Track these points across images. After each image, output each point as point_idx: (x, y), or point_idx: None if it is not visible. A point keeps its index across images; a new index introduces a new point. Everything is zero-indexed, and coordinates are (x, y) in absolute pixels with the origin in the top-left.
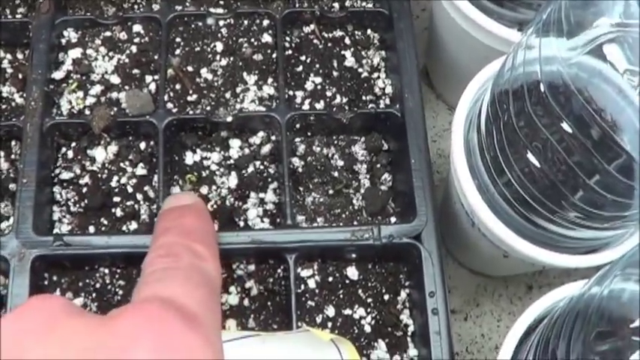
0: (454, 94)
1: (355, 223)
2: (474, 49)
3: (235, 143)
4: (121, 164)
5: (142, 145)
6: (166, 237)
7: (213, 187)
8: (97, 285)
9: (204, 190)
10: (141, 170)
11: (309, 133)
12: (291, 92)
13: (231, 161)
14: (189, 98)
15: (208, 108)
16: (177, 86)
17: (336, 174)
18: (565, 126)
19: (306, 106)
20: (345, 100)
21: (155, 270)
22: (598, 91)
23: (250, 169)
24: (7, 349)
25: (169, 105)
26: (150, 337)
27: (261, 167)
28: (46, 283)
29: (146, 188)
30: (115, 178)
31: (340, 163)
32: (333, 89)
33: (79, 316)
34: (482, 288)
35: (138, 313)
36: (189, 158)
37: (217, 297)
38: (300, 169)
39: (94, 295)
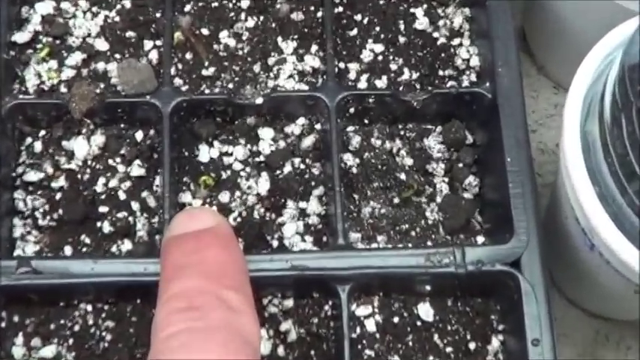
0: (562, 68)
1: (429, 243)
2: (593, 7)
3: (267, 134)
4: (110, 161)
5: (139, 136)
6: (184, 281)
7: (237, 194)
8: (76, 327)
9: (224, 197)
10: (137, 170)
11: (366, 121)
12: (342, 65)
13: (262, 158)
14: (204, 72)
15: (230, 85)
16: (188, 55)
17: (402, 176)
18: None
19: (362, 84)
20: (415, 75)
21: (175, 333)
22: None
23: (287, 168)
24: None
25: (177, 81)
26: None
27: (302, 166)
28: (3, 325)
29: (144, 195)
30: (102, 180)
31: (408, 161)
32: (398, 61)
33: None
34: (603, 336)
35: None
36: (204, 154)
37: None
38: (354, 170)
39: (70, 340)
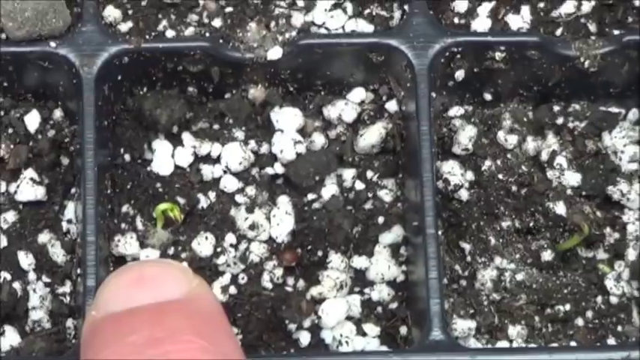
0: None
1: (613, 340)
2: None
3: (289, 120)
4: None
5: (33, 121)
6: None
7: (229, 239)
8: None
9: (203, 245)
10: (30, 189)
11: (488, 97)
12: None
13: (279, 168)
14: None
15: (217, 23)
16: None
17: (559, 208)
18: None
19: (480, 22)
20: (587, 6)
21: None
22: None
23: (328, 190)
24: None
25: (112, 13)
26: None
27: (359, 186)
28: None
29: (43, 238)
30: None
31: (572, 177)
32: None
33: None
34: None
35: None
36: (164, 159)
37: None
38: (464, 194)
39: None
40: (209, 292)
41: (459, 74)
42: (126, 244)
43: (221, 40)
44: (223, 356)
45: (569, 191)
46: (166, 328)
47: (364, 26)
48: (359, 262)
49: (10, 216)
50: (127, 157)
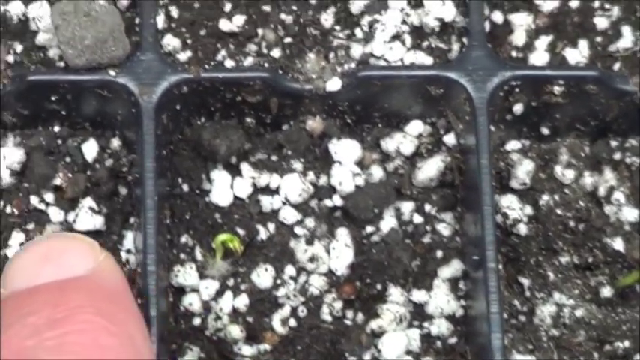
0: None
1: None
2: None
3: (347, 152)
4: (34, 199)
5: (91, 150)
6: None
7: (289, 271)
8: None
9: (262, 277)
10: (88, 218)
11: (546, 131)
12: (498, 17)
13: (337, 200)
14: (223, 25)
15: (276, 53)
16: None
17: (618, 244)
18: None
19: (539, 55)
20: None
21: None
22: None
23: (387, 223)
24: None
25: (171, 42)
26: None
27: (417, 219)
28: None
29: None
30: (17, 237)
31: (630, 213)
32: (612, 11)
33: None
34: None
35: None
36: (223, 189)
37: None
38: (522, 228)
39: None
40: (115, 267)
41: (517, 108)
42: (185, 275)
43: (280, 71)
44: (126, 336)
45: (627, 227)
46: (67, 308)
47: (423, 58)
48: (418, 295)
49: None
50: (186, 187)
